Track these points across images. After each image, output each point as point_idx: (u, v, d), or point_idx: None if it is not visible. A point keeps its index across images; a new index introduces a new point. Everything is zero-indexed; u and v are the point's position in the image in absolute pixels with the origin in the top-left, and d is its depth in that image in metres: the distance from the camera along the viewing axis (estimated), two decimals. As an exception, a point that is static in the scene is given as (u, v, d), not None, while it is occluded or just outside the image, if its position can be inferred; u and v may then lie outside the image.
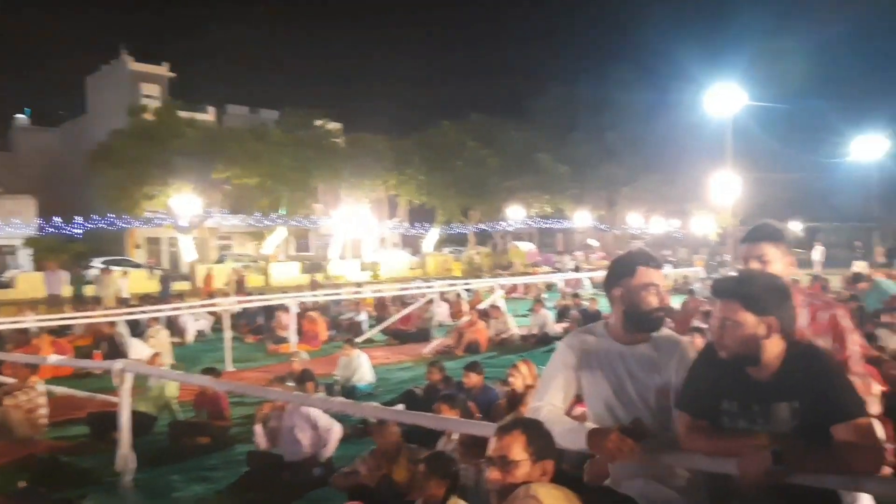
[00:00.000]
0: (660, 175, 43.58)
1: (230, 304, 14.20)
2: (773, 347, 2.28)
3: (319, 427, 6.04)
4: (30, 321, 12.53)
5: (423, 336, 14.53)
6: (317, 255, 46.82)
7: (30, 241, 35.25)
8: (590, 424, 2.58)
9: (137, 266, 35.16)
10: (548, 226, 53.08)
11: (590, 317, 14.13)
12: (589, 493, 2.76)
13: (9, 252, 36.73)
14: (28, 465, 6.43)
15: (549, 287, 25.20)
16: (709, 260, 41.83)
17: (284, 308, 13.91)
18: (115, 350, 11.54)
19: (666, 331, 2.73)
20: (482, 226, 48.05)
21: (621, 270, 2.68)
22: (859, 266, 29.96)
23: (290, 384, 6.97)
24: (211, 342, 14.99)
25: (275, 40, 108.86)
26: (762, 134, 39.37)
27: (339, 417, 6.56)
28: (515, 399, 6.42)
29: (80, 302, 20.00)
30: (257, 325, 16.04)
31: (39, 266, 29.86)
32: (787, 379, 2.27)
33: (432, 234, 46.06)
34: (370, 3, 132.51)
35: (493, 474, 2.35)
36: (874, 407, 3.15)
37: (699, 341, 3.46)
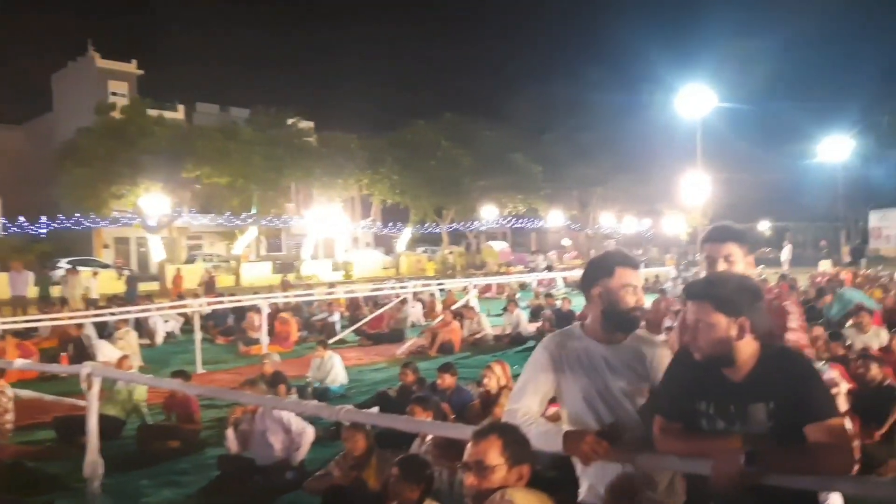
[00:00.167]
0: (632, 175, 44.02)
1: (200, 306, 14.03)
2: (747, 348, 2.29)
3: (292, 430, 5.98)
4: (-7, 323, 12.25)
5: (396, 336, 14.48)
6: (289, 255, 46.51)
7: (-7, 241, 34.56)
8: (566, 427, 2.58)
9: (105, 266, 34.65)
10: (521, 225, 53.28)
11: (563, 316, 14.19)
12: (564, 495, 2.77)
13: (-28, 252, 35.96)
14: (-7, 471, 6.28)
15: (523, 287, 25.30)
16: (679, 259, 42.36)
17: (256, 309, 13.78)
18: (83, 352, 11.33)
19: (642, 331, 2.75)
20: (456, 225, 48.10)
21: (599, 270, 2.70)
22: (824, 265, 30.53)
23: (262, 387, 6.88)
24: (181, 344, 14.81)
25: (246, 37, 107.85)
26: (731, 135, 39.95)
27: (312, 420, 6.50)
28: (489, 400, 6.44)
29: (45, 303, 19.62)
30: (228, 327, 15.86)
31: (3, 266, 29.25)
32: (762, 380, 2.27)
33: (405, 234, 46.01)
34: (343, 1, 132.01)
35: (469, 479, 2.34)
36: (842, 405, 3.21)
37: (672, 340, 3.48)
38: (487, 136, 44.61)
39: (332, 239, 46.50)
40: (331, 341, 12.23)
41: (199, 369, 11.37)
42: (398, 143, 42.80)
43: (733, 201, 45.99)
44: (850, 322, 9.41)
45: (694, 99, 30.38)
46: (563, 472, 2.88)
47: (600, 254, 2.88)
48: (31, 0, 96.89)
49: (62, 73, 47.71)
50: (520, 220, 51.83)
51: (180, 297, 21.69)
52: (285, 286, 25.80)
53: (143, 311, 14.61)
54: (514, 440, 2.37)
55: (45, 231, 34.09)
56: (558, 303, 16.06)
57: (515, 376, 7.07)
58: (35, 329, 14.20)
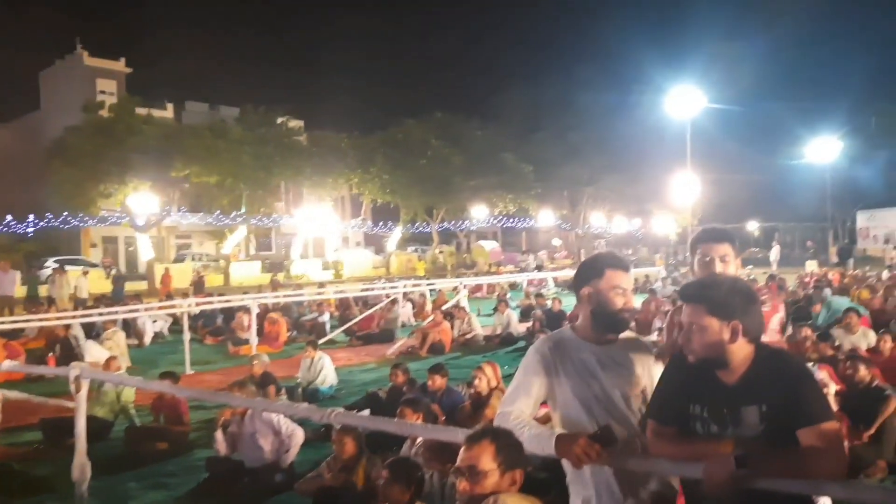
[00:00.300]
0: (622, 175, 44.11)
1: (189, 306, 13.95)
2: (740, 351, 2.29)
3: (281, 432, 5.95)
4: (-20, 324, 12.15)
5: (386, 336, 14.45)
6: (278, 255, 46.37)
7: (-21, 240, 34.29)
8: (558, 430, 2.57)
9: (93, 266, 34.45)
10: (511, 225, 53.33)
11: (554, 317, 14.19)
12: (554, 497, 2.77)
13: (-42, 251, 35.68)
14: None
15: (513, 287, 25.32)
16: (668, 259, 42.53)
17: (245, 309, 13.71)
18: (70, 353, 11.24)
19: (631, 333, 2.77)
20: (446, 225, 48.08)
21: (589, 272, 2.72)
22: (810, 266, 30.73)
23: (251, 389, 6.84)
24: (169, 344, 14.74)
25: (236, 36, 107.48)
26: (721, 136, 40.18)
27: (302, 421, 6.48)
28: (480, 401, 6.43)
29: (33, 303, 19.48)
30: (217, 327, 15.78)
31: (-10, 266, 29.07)
32: (755, 382, 2.27)
33: (396, 233, 45.96)
34: (334, 1, 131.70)
35: (461, 484, 2.33)
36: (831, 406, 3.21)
37: (663, 341, 3.48)
38: (478, 136, 44.62)
39: (322, 238, 46.39)
40: (321, 342, 12.18)
41: (188, 370, 11.31)
42: (388, 143, 42.75)
43: (722, 201, 46.24)
44: (838, 326, 9.48)
45: (684, 100, 30.51)
46: (553, 474, 2.87)
47: (591, 255, 2.90)
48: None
49: (50, 71, 47.36)
50: (510, 220, 51.87)
51: (169, 296, 21.58)
52: (275, 286, 25.73)
53: (131, 311, 14.51)
54: (506, 445, 2.35)
55: (32, 230, 33.84)
56: (549, 303, 16.06)
57: (506, 377, 7.09)
58: (22, 329, 14.09)
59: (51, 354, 11.73)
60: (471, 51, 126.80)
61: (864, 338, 9.06)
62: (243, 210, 37.37)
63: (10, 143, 47.78)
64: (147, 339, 14.87)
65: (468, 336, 13.96)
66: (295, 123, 41.81)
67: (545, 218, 49.55)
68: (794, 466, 2.13)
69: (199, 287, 25.18)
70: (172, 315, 15.79)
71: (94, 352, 11.13)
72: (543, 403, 2.82)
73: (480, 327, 14.52)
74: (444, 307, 15.45)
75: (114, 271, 32.57)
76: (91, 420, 5.88)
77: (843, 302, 11.18)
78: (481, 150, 43.33)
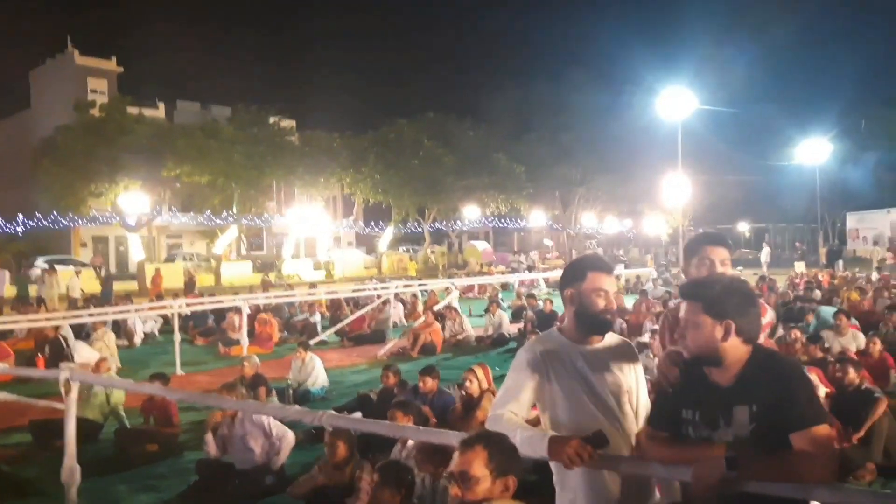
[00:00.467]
0: (613, 176, 44.19)
1: (179, 306, 13.89)
2: (734, 351, 2.30)
3: (272, 434, 5.93)
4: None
5: (378, 337, 14.43)
6: (270, 255, 46.24)
7: (-31, 240, 34.08)
8: (550, 432, 2.58)
9: (83, 265, 34.28)
10: (503, 225, 53.34)
11: (545, 317, 14.21)
12: (545, 499, 2.77)
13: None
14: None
15: (505, 287, 25.33)
16: (659, 259, 42.67)
17: (236, 309, 13.67)
18: (60, 354, 11.17)
19: (615, 335, 2.82)
20: (438, 225, 48.06)
21: (572, 274, 2.77)
22: (799, 267, 30.86)
23: (241, 391, 6.82)
24: (159, 345, 14.69)
25: (227, 35, 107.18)
26: (712, 137, 40.33)
27: (292, 423, 6.46)
28: (471, 404, 6.43)
29: (22, 303, 19.37)
30: (208, 328, 15.73)
31: (-21, 266, 28.88)
32: (747, 382, 2.29)
33: (387, 233, 45.90)
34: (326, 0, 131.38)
35: (453, 490, 2.32)
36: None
37: (656, 344, 3.50)
38: (470, 136, 44.61)
39: (314, 238, 46.29)
40: (312, 342, 12.16)
41: (179, 371, 11.27)
42: (380, 142, 42.68)
43: (713, 202, 46.42)
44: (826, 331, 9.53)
45: (675, 101, 30.57)
46: (543, 477, 2.88)
47: (576, 258, 2.99)
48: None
49: (40, 70, 47.10)
50: (502, 220, 51.86)
51: (159, 296, 21.49)
52: (266, 286, 25.66)
53: (121, 311, 14.44)
54: (500, 451, 2.34)
55: (21, 230, 33.62)
56: (540, 304, 16.07)
57: (497, 378, 7.10)
58: (11, 330, 14.01)
59: (40, 355, 11.64)
60: (463, 51, 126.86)
61: (854, 340, 9.12)
62: (234, 210, 37.25)
63: (0, 142, 47.53)
64: (137, 340, 14.82)
65: (459, 337, 13.96)
66: (287, 123, 41.70)
67: (537, 218, 49.59)
68: (784, 470, 2.13)
69: (189, 287, 25.07)
70: (163, 315, 15.73)
71: (84, 353, 11.09)
72: (535, 405, 2.83)
73: (472, 328, 14.52)
74: (435, 308, 15.45)
75: (103, 271, 32.41)
76: (80, 422, 5.84)
77: (831, 311, 11.29)
78: (473, 150, 43.33)
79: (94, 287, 26.12)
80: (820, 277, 22.94)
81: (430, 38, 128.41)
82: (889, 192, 42.96)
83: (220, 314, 15.91)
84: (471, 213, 47.06)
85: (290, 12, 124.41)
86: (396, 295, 17.15)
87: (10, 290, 20.57)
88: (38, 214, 33.78)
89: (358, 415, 6.38)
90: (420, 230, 47.47)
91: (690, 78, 33.27)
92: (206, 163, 34.08)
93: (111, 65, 45.91)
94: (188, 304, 14.76)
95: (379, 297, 16.47)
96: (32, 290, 21.42)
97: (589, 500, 2.61)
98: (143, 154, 31.59)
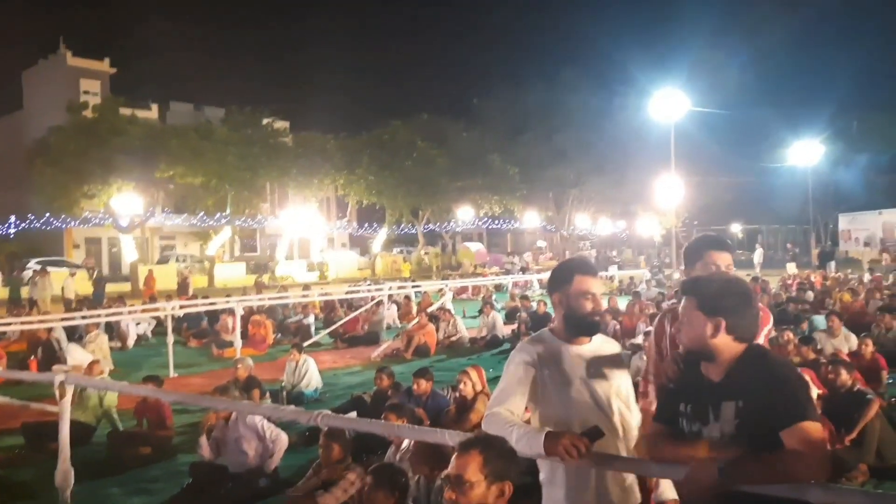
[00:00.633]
0: (607, 177, 44.19)
1: (173, 308, 13.86)
2: (725, 348, 2.34)
3: (265, 437, 5.92)
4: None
5: (372, 339, 14.41)
6: (263, 256, 46.15)
7: (-40, 241, 33.93)
8: (546, 428, 2.60)
9: (77, 267, 34.15)
10: (497, 226, 53.37)
11: (539, 319, 14.20)
12: (538, 501, 2.79)
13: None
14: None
15: (498, 288, 25.34)
16: (652, 261, 42.74)
17: (229, 311, 13.64)
18: (52, 356, 11.13)
19: (602, 336, 2.88)
20: (431, 226, 48.04)
21: (560, 278, 2.84)
22: (790, 268, 30.96)
23: (235, 393, 6.80)
24: (153, 347, 14.63)
25: (221, 36, 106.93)
26: (704, 139, 40.40)
27: (286, 426, 6.45)
28: (465, 406, 6.43)
29: (15, 305, 19.28)
30: (201, 329, 15.68)
31: (-29, 267, 28.75)
32: (735, 379, 2.33)
33: (381, 235, 45.86)
34: (320, 0, 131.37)
35: (447, 493, 2.32)
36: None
37: (650, 345, 3.53)
38: (464, 137, 44.58)
39: (308, 239, 46.21)
40: (306, 344, 12.14)
41: (172, 373, 11.24)
42: (374, 144, 42.63)
43: (706, 204, 46.51)
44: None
45: (668, 103, 30.66)
46: (536, 478, 2.88)
47: (562, 261, 3.06)
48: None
49: (33, 71, 46.91)
50: (495, 221, 51.89)
51: (152, 298, 21.42)
52: (259, 287, 25.62)
53: (114, 313, 14.39)
54: (496, 456, 2.34)
55: (14, 231, 33.47)
56: (534, 305, 16.09)
57: (491, 380, 7.10)
58: (3, 332, 13.94)
59: (33, 358, 11.58)
60: (457, 52, 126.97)
61: (846, 341, 9.16)
62: (228, 211, 37.16)
63: (-10, 143, 47.34)
64: (130, 342, 14.76)
65: (453, 338, 13.96)
66: (280, 124, 41.63)
67: (530, 219, 49.64)
68: (777, 471, 2.14)
69: (183, 289, 25.00)
70: (156, 317, 15.68)
71: (77, 355, 11.03)
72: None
73: (465, 329, 14.52)
74: (429, 309, 15.45)
75: (95, 273, 32.27)
76: (73, 425, 5.81)
77: (822, 320, 11.33)
78: (467, 151, 43.31)
79: (87, 289, 26.03)
80: (812, 279, 23.02)
81: (423, 39, 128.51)
82: (881, 193, 43.12)
83: (213, 316, 15.86)
84: (464, 214, 47.06)
85: (283, 13, 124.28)
86: (390, 296, 17.14)
87: (2, 292, 20.45)
88: (30, 216, 33.65)
89: (353, 415, 6.39)
90: (414, 231, 47.45)
91: (683, 80, 33.37)
92: (200, 164, 33.98)
93: (104, 66, 45.76)
94: (181, 306, 14.72)
95: (373, 298, 16.46)
96: (24, 292, 21.30)
97: (576, 498, 2.65)
98: (136, 155, 31.48)
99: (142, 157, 31.79)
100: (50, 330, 12.07)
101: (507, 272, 36.04)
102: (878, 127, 43.67)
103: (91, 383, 6.94)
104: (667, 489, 2.95)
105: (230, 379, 8.16)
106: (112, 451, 7.02)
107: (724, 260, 3.06)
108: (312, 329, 15.45)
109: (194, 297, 20.03)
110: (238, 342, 12.35)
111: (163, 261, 39.12)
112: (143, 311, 15.36)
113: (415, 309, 17.34)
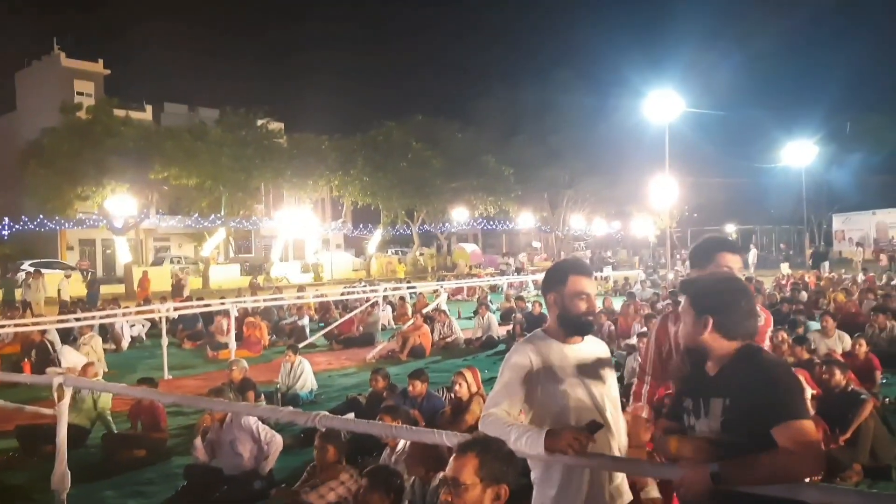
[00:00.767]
0: (601, 178, 44.31)
1: (167, 310, 13.82)
2: (717, 346, 2.39)
3: (260, 439, 5.91)
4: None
5: (367, 340, 14.40)
6: (258, 257, 46.07)
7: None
8: (546, 427, 2.61)
9: (70, 269, 34.05)
10: (492, 227, 53.40)
11: (534, 320, 14.20)
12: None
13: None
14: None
15: (494, 289, 25.35)
16: (647, 261, 42.82)
17: (224, 313, 13.61)
18: (46, 358, 11.10)
19: (591, 336, 2.91)
20: (426, 227, 48.03)
21: (555, 279, 2.87)
22: (784, 269, 31.06)
23: (229, 396, 6.78)
24: (147, 349, 14.61)
25: (215, 37, 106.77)
26: (699, 140, 40.51)
27: (280, 428, 6.44)
28: (461, 407, 6.43)
29: (8, 307, 19.22)
30: (195, 331, 15.64)
31: (-36, 269, 28.61)
32: (726, 376, 2.37)
33: (376, 236, 45.84)
34: (314, 1, 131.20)
35: (443, 495, 2.33)
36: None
37: (644, 346, 3.54)
38: (459, 139, 44.61)
39: (302, 241, 46.15)
40: (301, 345, 12.12)
41: (167, 375, 11.21)
42: (369, 145, 42.58)
43: (700, 204, 46.68)
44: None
45: (662, 104, 30.71)
46: (530, 480, 2.89)
47: (556, 262, 3.10)
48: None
49: (26, 72, 46.77)
50: (490, 222, 51.92)
51: (147, 300, 21.37)
52: (254, 288, 25.58)
53: (108, 315, 14.35)
54: (493, 458, 2.32)
55: (7, 233, 33.34)
56: (529, 306, 16.10)
57: (486, 381, 7.11)
58: (-4, 334, 13.89)
59: (26, 360, 11.56)
60: (452, 54, 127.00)
61: (840, 342, 9.18)
62: (223, 212, 37.08)
63: (-17, 145, 47.14)
64: (124, 344, 14.72)
65: (449, 339, 13.96)
66: (275, 125, 41.53)
67: (525, 220, 49.69)
68: (770, 470, 2.15)
69: (177, 290, 24.95)
70: (150, 319, 15.64)
71: (71, 357, 11.00)
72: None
73: (461, 330, 14.52)
74: (424, 310, 15.44)
75: (89, 275, 32.17)
76: (68, 427, 5.80)
77: (816, 326, 11.37)
78: (462, 152, 43.33)
79: (81, 291, 25.95)
80: (806, 279, 23.09)
81: (418, 40, 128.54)
82: (874, 194, 43.29)
83: (208, 317, 15.82)
84: (459, 215, 47.08)
85: (278, 15, 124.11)
86: (385, 297, 17.14)
87: (-5, 294, 20.46)
88: (24, 217, 33.52)
89: (350, 417, 6.38)
90: (409, 232, 47.42)
91: (677, 81, 33.48)
92: (194, 165, 33.88)
93: (98, 67, 45.65)
94: (176, 308, 14.68)
95: (368, 299, 16.45)
96: (18, 294, 21.22)
97: (568, 497, 2.68)
98: (130, 156, 31.35)
99: (136, 158, 31.67)
100: (44, 332, 12.04)
101: (503, 273, 36.05)
102: (871, 127, 43.84)
103: (90, 385, 6.91)
104: (652, 488, 2.99)
105: (225, 381, 8.14)
106: (106, 454, 6.99)
107: (735, 262, 3.07)
108: (307, 330, 15.43)
109: (189, 298, 19.98)
110: (233, 344, 12.32)
111: (157, 262, 39.04)
112: (138, 312, 15.34)
113: (410, 310, 17.33)
